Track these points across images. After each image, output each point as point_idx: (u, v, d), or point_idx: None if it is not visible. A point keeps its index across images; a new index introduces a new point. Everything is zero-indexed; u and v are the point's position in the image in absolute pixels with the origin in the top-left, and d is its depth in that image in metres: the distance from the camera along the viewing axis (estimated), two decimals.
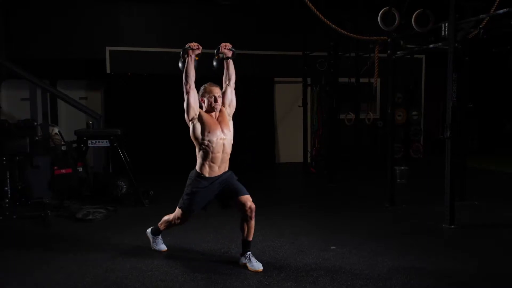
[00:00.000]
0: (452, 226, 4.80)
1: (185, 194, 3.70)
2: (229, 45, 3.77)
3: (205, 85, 3.67)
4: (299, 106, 9.12)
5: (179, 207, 3.75)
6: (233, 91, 3.80)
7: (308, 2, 5.71)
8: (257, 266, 3.64)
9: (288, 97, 9.99)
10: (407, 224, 5.06)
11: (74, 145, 6.59)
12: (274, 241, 4.37)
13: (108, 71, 8.99)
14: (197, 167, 3.66)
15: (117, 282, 3.42)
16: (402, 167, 7.60)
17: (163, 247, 4.10)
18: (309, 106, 9.21)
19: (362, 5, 8.02)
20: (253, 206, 3.61)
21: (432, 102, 11.37)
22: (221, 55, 3.75)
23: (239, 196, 3.61)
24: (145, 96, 8.58)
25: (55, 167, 6.24)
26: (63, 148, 6.71)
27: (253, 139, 9.26)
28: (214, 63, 3.76)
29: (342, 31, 6.25)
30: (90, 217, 5.29)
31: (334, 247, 4.19)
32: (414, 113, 10.58)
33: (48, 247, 4.28)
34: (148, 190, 6.20)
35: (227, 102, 3.75)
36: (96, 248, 4.22)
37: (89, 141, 6.20)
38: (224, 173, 3.69)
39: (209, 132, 3.55)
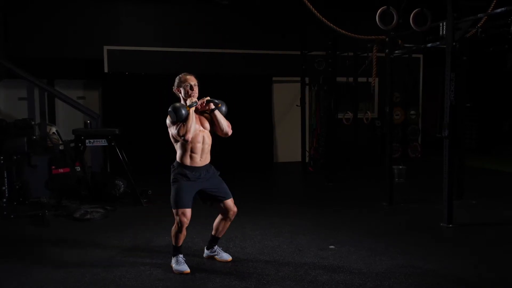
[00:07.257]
0: (450, 225, 4.81)
1: (172, 189, 3.53)
2: (204, 100, 3.56)
3: (180, 75, 3.56)
4: (297, 105, 9.12)
5: (173, 209, 3.54)
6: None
7: (307, 2, 5.71)
8: (225, 256, 3.78)
9: (287, 97, 9.99)
10: (406, 223, 5.07)
11: (72, 144, 6.58)
12: (272, 241, 4.38)
13: (106, 70, 8.98)
14: (178, 158, 3.54)
15: (116, 281, 3.42)
16: (400, 166, 7.61)
17: (185, 268, 3.56)
18: (307, 105, 9.21)
19: (360, 5, 8.03)
20: (236, 209, 3.67)
21: (430, 101, 11.38)
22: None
23: (225, 200, 3.62)
24: (143, 96, 8.55)
25: (53, 167, 6.23)
26: (61, 147, 6.70)
27: (251, 138, 9.25)
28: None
29: (341, 30, 6.25)
30: (88, 216, 5.28)
31: (332, 246, 4.19)
32: (412, 112, 10.60)
33: (47, 247, 4.27)
34: (146, 190, 6.20)
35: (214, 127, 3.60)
36: (95, 248, 4.21)
37: (87, 141, 6.18)
38: (207, 170, 3.57)
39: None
